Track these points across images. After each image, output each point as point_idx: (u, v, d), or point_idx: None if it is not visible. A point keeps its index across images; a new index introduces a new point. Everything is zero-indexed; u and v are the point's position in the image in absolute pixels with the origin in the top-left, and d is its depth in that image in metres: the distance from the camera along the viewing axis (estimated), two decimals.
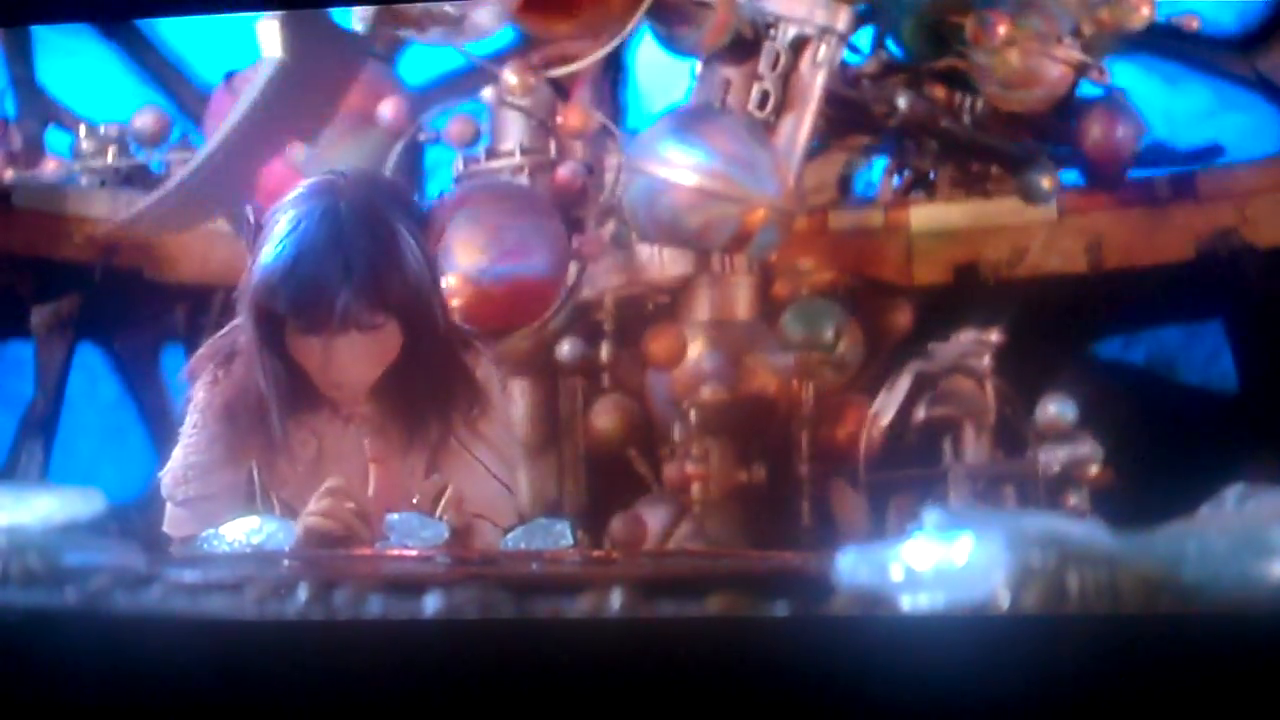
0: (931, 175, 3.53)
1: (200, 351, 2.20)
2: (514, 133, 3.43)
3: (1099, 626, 1.54)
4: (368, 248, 2.03)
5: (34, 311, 3.48)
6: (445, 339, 2.15)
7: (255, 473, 2.13)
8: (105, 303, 3.50)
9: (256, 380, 2.08)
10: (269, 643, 1.68)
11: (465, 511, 2.06)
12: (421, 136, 3.44)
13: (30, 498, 1.77)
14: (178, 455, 2.16)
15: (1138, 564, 1.51)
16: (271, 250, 2.05)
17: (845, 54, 3.28)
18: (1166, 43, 3.43)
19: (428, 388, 2.12)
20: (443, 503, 2.04)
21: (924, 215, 3.47)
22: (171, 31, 3.66)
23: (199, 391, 2.16)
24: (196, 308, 3.35)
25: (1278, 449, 2.74)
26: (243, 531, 1.97)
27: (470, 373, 2.18)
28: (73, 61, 3.63)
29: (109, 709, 1.69)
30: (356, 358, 2.06)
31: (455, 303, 2.71)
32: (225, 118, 3.21)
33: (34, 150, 3.57)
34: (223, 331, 2.19)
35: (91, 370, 3.58)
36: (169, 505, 2.15)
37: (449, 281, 2.78)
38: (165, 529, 2.14)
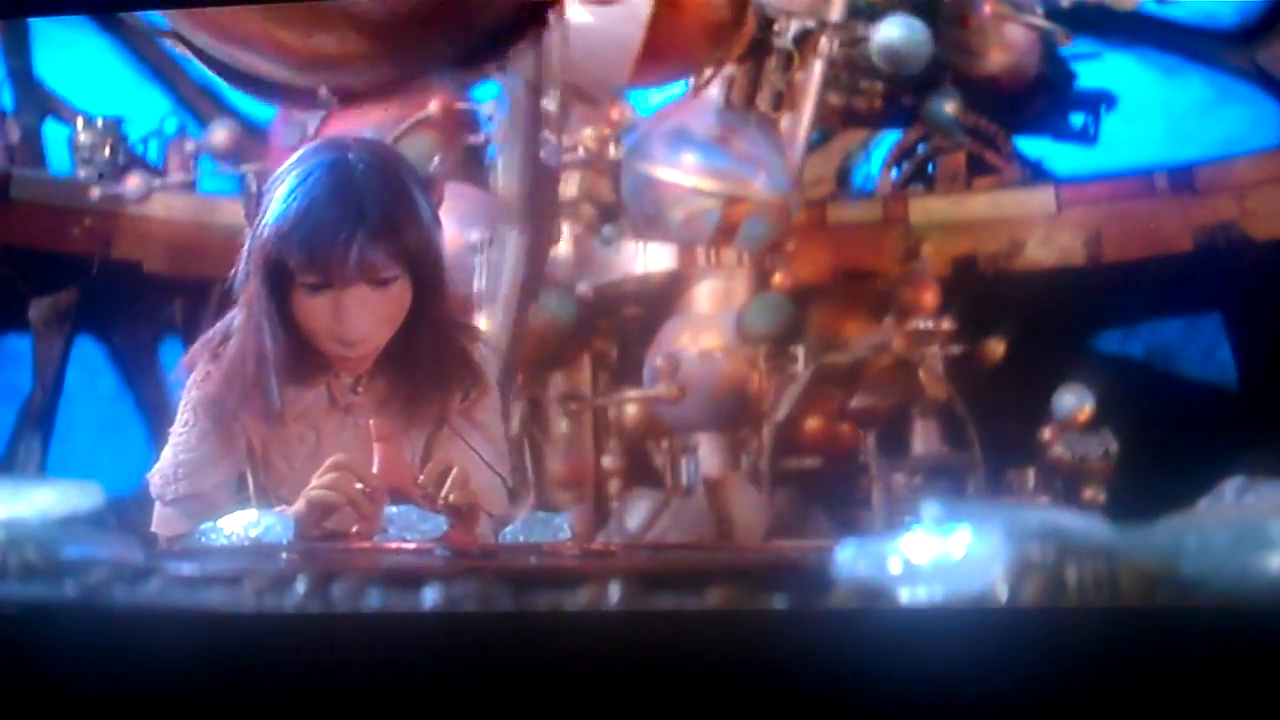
0: (930, 169, 3.54)
1: (192, 349, 2.18)
2: None
3: (1098, 620, 1.54)
4: (381, 194, 2.00)
5: (32, 304, 3.48)
6: (448, 312, 2.14)
7: (251, 475, 2.12)
8: (104, 296, 3.51)
9: (253, 348, 2.06)
10: (267, 636, 1.68)
11: (471, 492, 2.05)
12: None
13: (28, 491, 1.77)
14: (167, 454, 2.13)
15: (1137, 557, 1.51)
16: (280, 204, 2.01)
17: None
18: (1166, 35, 3.43)
19: (431, 361, 2.10)
20: (448, 482, 2.02)
21: (922, 208, 3.48)
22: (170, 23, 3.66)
23: (190, 389, 2.14)
24: (195, 301, 3.35)
25: (1277, 442, 2.74)
26: (241, 524, 1.97)
27: (469, 354, 2.17)
28: (71, 54, 3.63)
29: (107, 702, 1.69)
30: (367, 313, 2.03)
31: None
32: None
33: (32, 143, 3.57)
34: (213, 329, 2.16)
35: (90, 363, 3.58)
36: (158, 505, 2.13)
37: None
38: (154, 529, 2.12)
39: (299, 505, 2.00)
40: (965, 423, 3.15)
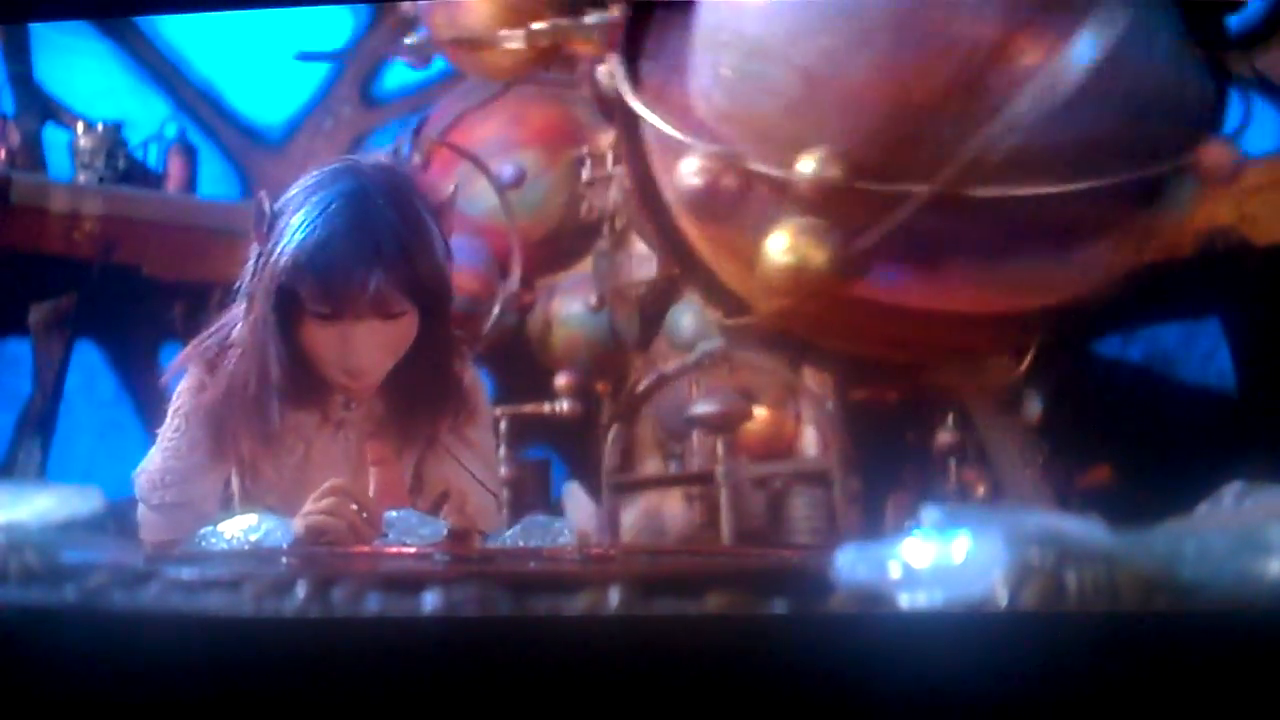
0: None
1: (183, 352, 2.17)
2: None
3: (1097, 624, 1.54)
4: (399, 230, 2.00)
5: (32, 308, 3.48)
6: (449, 339, 2.14)
7: (235, 481, 2.11)
8: (103, 300, 3.51)
9: (255, 370, 2.05)
10: (267, 640, 1.68)
11: (469, 516, 2.05)
12: None
13: (28, 495, 1.77)
14: (155, 458, 2.12)
15: (1136, 562, 1.51)
16: (299, 232, 2.00)
17: None
18: None
19: (427, 388, 2.10)
20: (445, 508, 2.03)
21: None
22: (170, 28, 3.66)
23: (182, 395, 2.13)
24: (194, 305, 3.35)
25: (1275, 447, 2.74)
26: (240, 529, 1.97)
27: (459, 377, 2.17)
28: (70, 59, 3.63)
29: (107, 706, 1.69)
30: (376, 345, 2.03)
31: None
32: None
33: (32, 147, 3.57)
34: (207, 332, 2.15)
35: (89, 367, 3.58)
36: (142, 507, 2.12)
37: None
38: (140, 533, 2.12)
39: (296, 528, 1.99)
40: (832, 431, 3.12)
